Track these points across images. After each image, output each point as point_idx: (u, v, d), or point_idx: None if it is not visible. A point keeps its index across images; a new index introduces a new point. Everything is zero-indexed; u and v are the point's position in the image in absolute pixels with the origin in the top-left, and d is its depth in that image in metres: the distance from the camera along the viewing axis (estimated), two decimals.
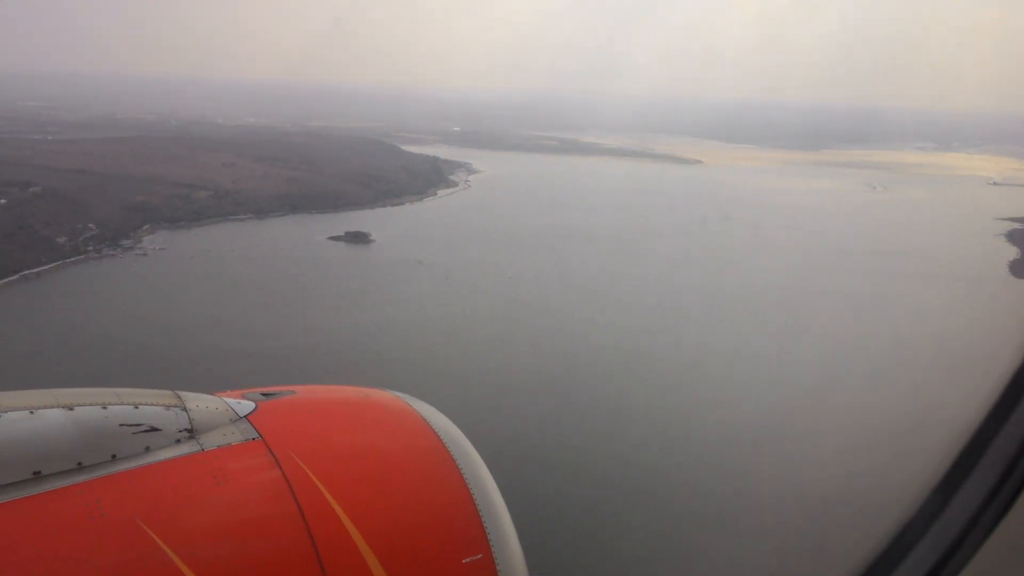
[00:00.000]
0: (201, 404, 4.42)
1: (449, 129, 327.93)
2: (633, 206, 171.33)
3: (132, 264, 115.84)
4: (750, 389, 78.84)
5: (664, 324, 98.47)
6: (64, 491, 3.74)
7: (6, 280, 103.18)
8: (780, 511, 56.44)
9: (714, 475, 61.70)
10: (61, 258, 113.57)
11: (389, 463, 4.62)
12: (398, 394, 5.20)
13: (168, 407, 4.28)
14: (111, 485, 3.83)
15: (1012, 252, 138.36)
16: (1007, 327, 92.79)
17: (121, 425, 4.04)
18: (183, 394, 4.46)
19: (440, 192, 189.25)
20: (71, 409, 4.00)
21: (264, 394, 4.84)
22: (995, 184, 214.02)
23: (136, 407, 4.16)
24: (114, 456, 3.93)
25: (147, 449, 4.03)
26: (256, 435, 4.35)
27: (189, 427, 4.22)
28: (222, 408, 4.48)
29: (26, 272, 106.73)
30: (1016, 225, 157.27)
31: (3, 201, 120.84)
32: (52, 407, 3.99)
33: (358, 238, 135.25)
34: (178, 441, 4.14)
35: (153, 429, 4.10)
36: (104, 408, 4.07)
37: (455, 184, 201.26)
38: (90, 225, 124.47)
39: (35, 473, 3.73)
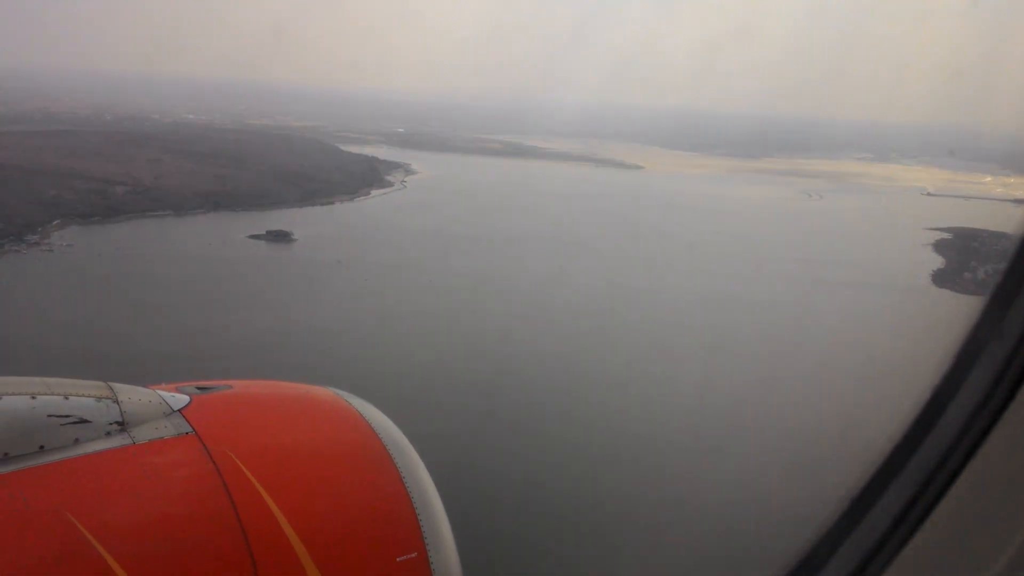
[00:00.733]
0: (134, 396, 4.27)
1: (393, 130, 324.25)
2: (565, 210, 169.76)
3: (34, 260, 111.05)
4: (645, 394, 77.81)
5: (576, 326, 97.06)
6: None
7: None
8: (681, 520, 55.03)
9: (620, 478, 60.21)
10: None
11: (325, 460, 4.53)
12: (338, 391, 5.02)
13: (99, 399, 4.12)
14: (38, 476, 3.74)
15: (937, 262, 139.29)
16: (922, 335, 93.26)
17: (50, 416, 3.90)
18: (115, 386, 4.29)
19: (374, 192, 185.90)
20: None
21: (200, 388, 4.65)
22: (929, 195, 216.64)
23: (66, 398, 4.01)
24: (42, 447, 3.82)
25: (76, 441, 3.90)
26: (189, 429, 4.22)
27: (120, 420, 4.08)
28: (155, 401, 4.32)
29: None
30: (944, 235, 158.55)
31: None
32: None
33: (279, 237, 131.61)
34: (108, 434, 4.02)
35: (83, 421, 3.96)
36: (33, 398, 3.94)
37: (390, 185, 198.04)
38: None
39: None
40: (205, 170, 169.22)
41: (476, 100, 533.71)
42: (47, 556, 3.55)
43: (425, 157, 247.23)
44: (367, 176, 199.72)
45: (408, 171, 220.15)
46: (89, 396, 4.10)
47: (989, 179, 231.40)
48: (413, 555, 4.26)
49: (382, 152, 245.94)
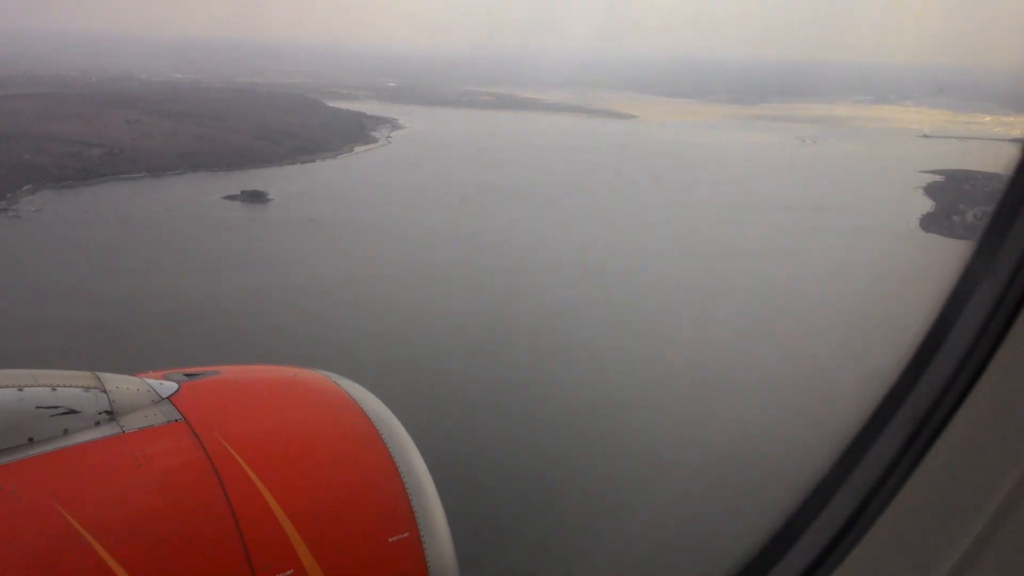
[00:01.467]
0: (121, 385, 4.31)
1: (384, 84, 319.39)
2: (551, 162, 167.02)
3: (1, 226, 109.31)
4: (628, 351, 76.01)
5: (566, 283, 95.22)
6: None
7: None
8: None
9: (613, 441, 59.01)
10: None
11: (315, 442, 4.55)
12: (326, 373, 5.03)
13: (87, 389, 4.16)
14: (28, 469, 3.77)
15: (927, 205, 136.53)
16: (905, 281, 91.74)
17: (38, 407, 3.95)
18: (103, 375, 4.33)
19: (358, 148, 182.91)
20: None
21: (187, 375, 4.67)
22: (925, 136, 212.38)
23: (54, 389, 4.07)
24: (31, 439, 3.86)
25: (65, 432, 3.94)
26: (179, 416, 4.25)
27: (109, 409, 4.12)
28: (143, 389, 4.36)
29: None
30: (937, 178, 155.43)
31: None
32: None
33: (255, 197, 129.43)
34: (98, 423, 4.04)
35: (71, 411, 4.00)
36: (20, 390, 4.00)
37: (375, 140, 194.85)
38: None
39: None
40: (185, 130, 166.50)
41: (470, 52, 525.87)
42: (39, 549, 3.53)
43: (414, 111, 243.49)
44: (352, 132, 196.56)
45: (395, 126, 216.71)
46: (77, 387, 4.09)
47: (988, 119, 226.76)
48: (405, 535, 4.23)
49: (370, 107, 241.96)
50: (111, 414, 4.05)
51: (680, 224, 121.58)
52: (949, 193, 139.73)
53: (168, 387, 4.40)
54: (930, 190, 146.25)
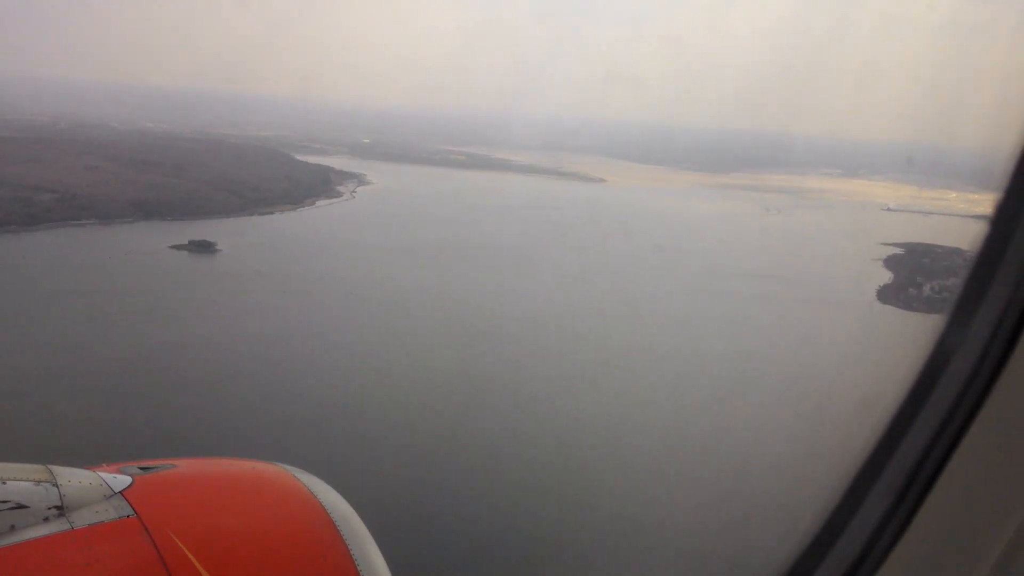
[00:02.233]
0: (74, 479, 4.14)
1: (359, 140, 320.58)
2: (516, 222, 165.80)
3: None
4: (551, 415, 73.58)
5: (498, 340, 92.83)
6: None
7: None
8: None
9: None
10: None
11: (273, 541, 4.38)
12: (286, 467, 4.85)
13: (38, 482, 4.00)
14: None
15: (885, 277, 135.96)
16: (853, 352, 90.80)
17: None
18: (55, 468, 4.16)
19: (320, 203, 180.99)
20: None
21: (142, 468, 4.48)
22: (889, 210, 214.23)
23: (3, 482, 3.92)
24: None
25: (12, 528, 3.77)
26: (131, 512, 4.05)
27: (59, 504, 3.93)
28: (96, 483, 4.18)
29: None
30: (896, 250, 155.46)
31: None
32: None
33: (202, 247, 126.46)
34: (47, 519, 3.86)
35: (20, 506, 3.83)
36: None
37: (339, 195, 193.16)
38: None
39: None
40: (143, 178, 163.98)
41: (448, 111, 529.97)
42: None
43: (384, 168, 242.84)
44: (317, 186, 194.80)
45: (362, 181, 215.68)
46: (27, 480, 3.94)
47: (954, 195, 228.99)
48: None
49: (341, 162, 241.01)
50: (61, 509, 3.83)
51: (629, 286, 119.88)
52: (908, 266, 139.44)
53: (122, 481, 4.18)
54: (889, 263, 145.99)
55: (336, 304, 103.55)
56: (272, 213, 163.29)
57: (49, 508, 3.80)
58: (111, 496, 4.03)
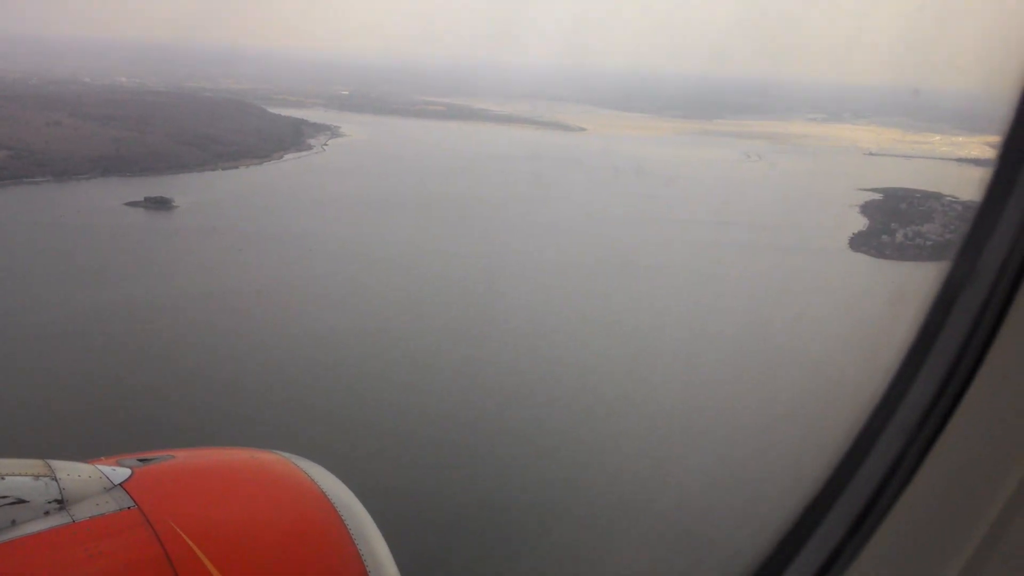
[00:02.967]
0: (72, 473, 4.18)
1: (337, 92, 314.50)
2: (489, 172, 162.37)
3: None
4: (528, 372, 71.49)
5: (462, 299, 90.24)
6: None
7: None
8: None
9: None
10: None
11: (275, 529, 4.39)
12: (286, 455, 4.85)
13: (37, 477, 4.05)
14: None
15: (860, 223, 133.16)
16: (826, 299, 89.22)
17: None
18: (53, 463, 4.20)
19: (288, 156, 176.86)
20: None
21: (141, 459, 4.51)
22: (870, 154, 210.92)
23: (2, 478, 3.95)
24: None
25: (13, 523, 3.80)
26: (131, 504, 4.08)
27: (59, 497, 3.98)
28: (95, 476, 4.22)
29: None
30: (875, 196, 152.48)
31: None
32: None
33: (159, 204, 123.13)
34: (47, 513, 3.91)
35: (20, 501, 3.87)
36: None
37: (309, 148, 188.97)
38: None
39: None
40: (105, 133, 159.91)
41: (429, 62, 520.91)
42: None
43: (361, 120, 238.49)
44: (286, 139, 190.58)
45: (335, 134, 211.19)
46: (26, 475, 3.98)
47: (937, 138, 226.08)
48: None
49: (317, 115, 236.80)
50: (61, 503, 3.86)
51: (602, 236, 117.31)
52: (884, 212, 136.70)
53: (121, 473, 4.20)
54: (866, 208, 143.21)
55: (292, 259, 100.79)
56: (236, 168, 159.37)
57: (49, 502, 3.79)
58: (111, 488, 4.03)
